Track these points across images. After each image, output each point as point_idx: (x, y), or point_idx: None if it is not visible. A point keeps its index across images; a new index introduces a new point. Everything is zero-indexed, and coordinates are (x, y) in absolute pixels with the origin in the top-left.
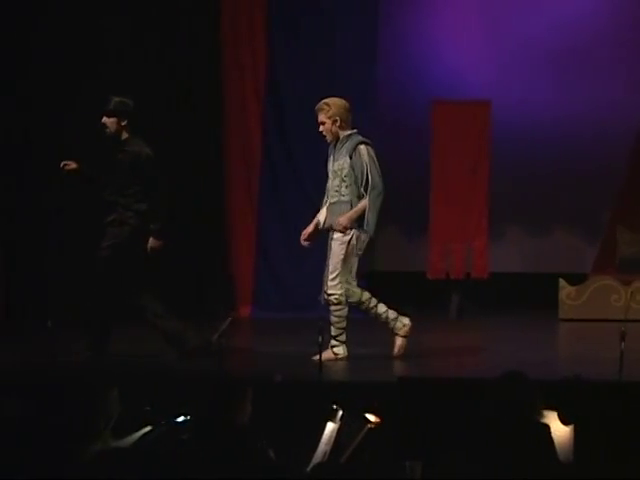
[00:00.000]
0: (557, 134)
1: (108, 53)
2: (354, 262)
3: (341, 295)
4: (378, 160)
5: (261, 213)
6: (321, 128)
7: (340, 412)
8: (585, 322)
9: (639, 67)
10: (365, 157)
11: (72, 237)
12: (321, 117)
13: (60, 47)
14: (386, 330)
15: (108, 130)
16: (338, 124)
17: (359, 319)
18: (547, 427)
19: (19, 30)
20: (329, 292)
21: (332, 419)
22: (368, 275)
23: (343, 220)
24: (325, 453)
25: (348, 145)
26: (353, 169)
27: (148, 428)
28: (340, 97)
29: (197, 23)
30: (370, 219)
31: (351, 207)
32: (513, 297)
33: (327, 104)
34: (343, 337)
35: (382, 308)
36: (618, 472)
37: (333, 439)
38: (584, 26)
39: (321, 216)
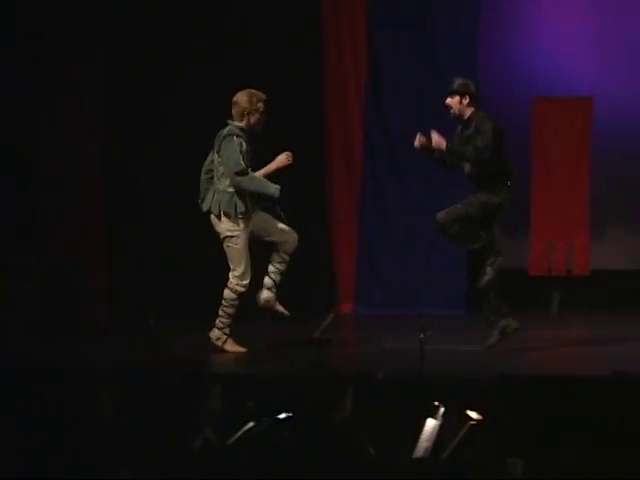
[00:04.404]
0: None
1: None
2: None
3: None
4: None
5: (363, 212)
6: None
7: (442, 409)
8: None
9: None
10: None
11: None
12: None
13: None
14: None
15: (452, 110)
16: None
17: (460, 315)
18: None
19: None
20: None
21: (433, 416)
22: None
23: None
24: (426, 450)
25: None
26: None
27: (250, 425)
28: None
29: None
30: None
31: None
32: (614, 294)
33: None
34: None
35: None
36: None
37: (434, 436)
38: None
39: None
